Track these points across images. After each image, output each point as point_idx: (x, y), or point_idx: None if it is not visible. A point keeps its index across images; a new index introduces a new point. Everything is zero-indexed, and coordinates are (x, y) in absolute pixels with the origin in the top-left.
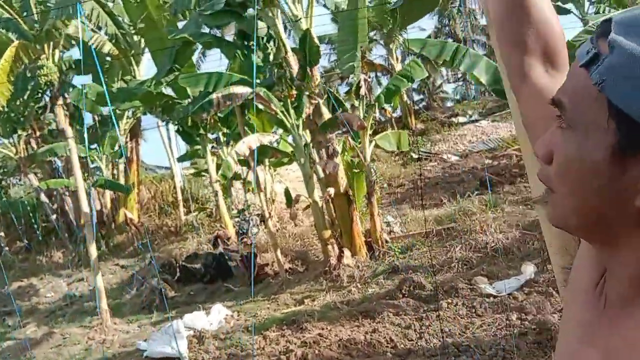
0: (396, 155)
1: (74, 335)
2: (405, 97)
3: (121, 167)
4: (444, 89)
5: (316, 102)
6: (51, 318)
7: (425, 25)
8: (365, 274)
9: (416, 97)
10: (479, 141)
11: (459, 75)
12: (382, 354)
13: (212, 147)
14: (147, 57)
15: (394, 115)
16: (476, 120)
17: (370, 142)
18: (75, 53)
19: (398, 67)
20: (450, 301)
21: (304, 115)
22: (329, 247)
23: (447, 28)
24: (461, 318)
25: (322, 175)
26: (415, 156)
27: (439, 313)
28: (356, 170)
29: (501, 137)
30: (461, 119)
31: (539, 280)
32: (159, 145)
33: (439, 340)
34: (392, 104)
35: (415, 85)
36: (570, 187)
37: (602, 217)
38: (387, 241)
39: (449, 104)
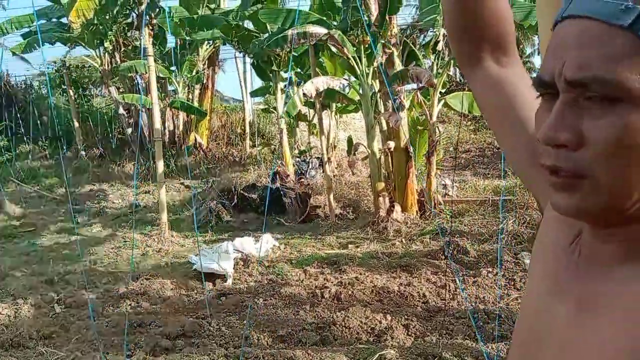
0: (469, 121)
1: (134, 240)
2: None
3: (196, 92)
4: (532, 60)
5: (390, 51)
6: (116, 222)
7: None
8: (412, 230)
9: None
10: None
11: None
12: (413, 307)
13: (284, 85)
14: None
15: None
16: None
17: (440, 100)
18: None
19: None
20: (490, 270)
21: (375, 64)
22: (381, 199)
23: None
24: (498, 288)
25: (384, 127)
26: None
27: (477, 279)
28: (420, 128)
29: None
30: None
31: None
32: (235, 78)
33: (471, 305)
34: None
35: None
36: (622, 167)
37: None
38: (440, 203)
39: (534, 75)
